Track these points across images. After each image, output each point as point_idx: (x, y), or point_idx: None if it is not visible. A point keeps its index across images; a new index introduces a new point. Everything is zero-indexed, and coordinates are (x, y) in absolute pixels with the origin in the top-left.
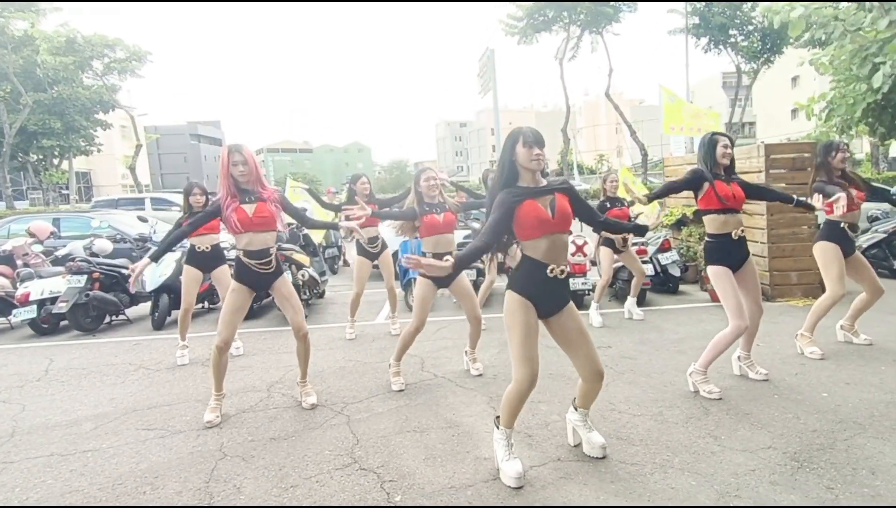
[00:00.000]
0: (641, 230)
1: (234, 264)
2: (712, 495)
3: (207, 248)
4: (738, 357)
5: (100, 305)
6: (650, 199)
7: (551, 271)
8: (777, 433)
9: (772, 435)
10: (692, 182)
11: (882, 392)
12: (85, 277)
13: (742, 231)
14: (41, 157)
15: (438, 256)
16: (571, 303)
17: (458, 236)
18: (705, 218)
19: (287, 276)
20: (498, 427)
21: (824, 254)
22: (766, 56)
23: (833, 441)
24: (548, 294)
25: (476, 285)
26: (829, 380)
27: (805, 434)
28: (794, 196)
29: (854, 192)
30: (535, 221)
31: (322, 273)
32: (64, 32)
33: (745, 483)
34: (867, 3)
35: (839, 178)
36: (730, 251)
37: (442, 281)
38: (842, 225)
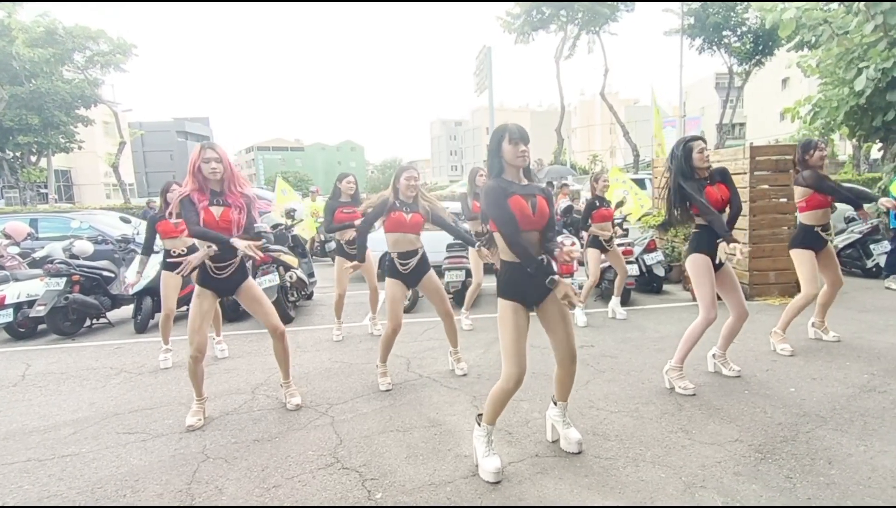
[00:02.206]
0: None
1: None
2: (679, 486)
3: (183, 250)
4: (714, 355)
5: (80, 308)
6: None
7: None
8: (745, 426)
9: (740, 429)
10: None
11: (845, 387)
12: (64, 279)
13: None
14: (18, 154)
15: (402, 255)
16: None
17: (448, 236)
18: (697, 216)
19: (252, 281)
20: (479, 424)
21: (799, 259)
22: (757, 58)
23: (796, 434)
24: (533, 287)
25: (465, 286)
26: (797, 376)
27: (770, 427)
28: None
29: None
30: (519, 215)
31: (310, 275)
32: (43, 23)
33: (710, 474)
34: (854, 7)
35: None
36: (713, 243)
37: (410, 280)
38: (815, 229)
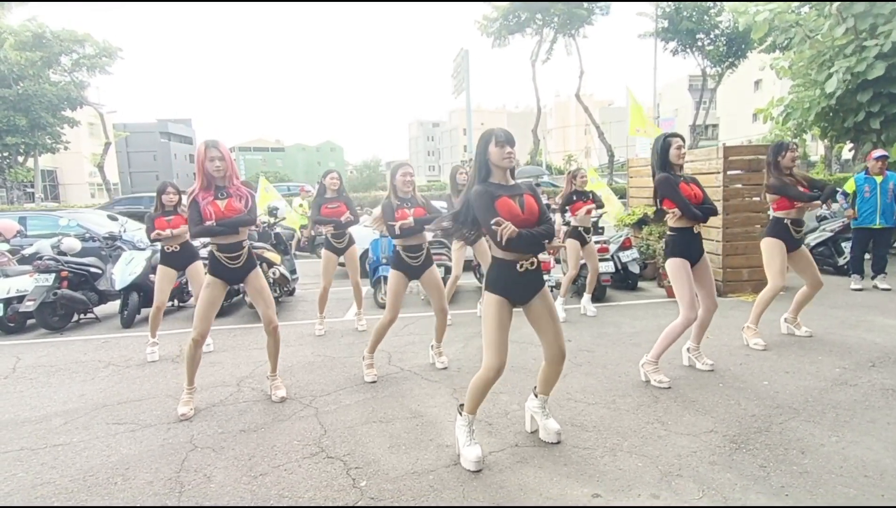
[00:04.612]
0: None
1: (207, 259)
2: (656, 475)
3: (176, 247)
4: (688, 349)
5: (68, 303)
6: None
7: (521, 267)
8: (719, 418)
9: (714, 420)
10: (672, 185)
11: (817, 380)
12: (53, 275)
13: (700, 227)
14: (5, 154)
15: (410, 248)
16: (545, 288)
17: (430, 233)
18: (669, 215)
19: (259, 270)
20: (461, 414)
21: (768, 249)
22: (730, 60)
23: (769, 425)
24: (521, 287)
25: (444, 282)
26: (770, 369)
27: (745, 419)
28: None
29: (800, 190)
30: (507, 215)
31: (292, 271)
32: (31, 27)
33: (686, 463)
34: (826, 10)
35: (788, 176)
36: (690, 244)
37: (413, 272)
38: (785, 221)
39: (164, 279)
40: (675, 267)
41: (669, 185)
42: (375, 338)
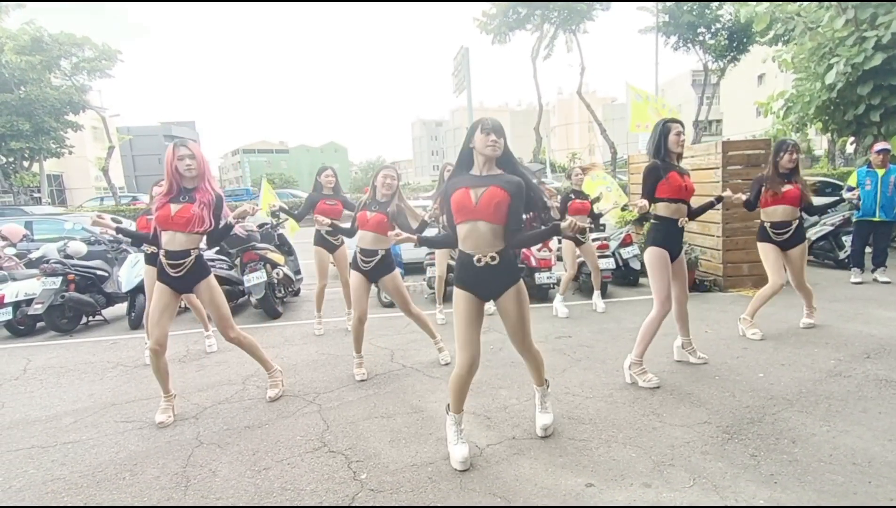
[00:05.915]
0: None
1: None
2: (649, 464)
3: (154, 249)
4: (682, 345)
5: (76, 306)
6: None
7: (479, 261)
8: (713, 409)
9: (709, 412)
10: (652, 178)
11: (812, 372)
12: (60, 278)
13: (686, 221)
14: (10, 159)
15: (364, 252)
16: (517, 286)
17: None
18: (658, 204)
19: (212, 281)
20: (448, 414)
21: (761, 251)
22: (732, 54)
23: (762, 416)
24: (482, 281)
25: (446, 283)
26: (766, 362)
27: (738, 410)
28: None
29: (786, 188)
30: (457, 206)
31: (297, 272)
32: (29, 31)
33: (679, 453)
34: (826, 3)
35: (783, 175)
36: (672, 236)
37: (369, 275)
38: (764, 225)
39: (151, 280)
40: (654, 256)
41: (650, 175)
42: (355, 338)
